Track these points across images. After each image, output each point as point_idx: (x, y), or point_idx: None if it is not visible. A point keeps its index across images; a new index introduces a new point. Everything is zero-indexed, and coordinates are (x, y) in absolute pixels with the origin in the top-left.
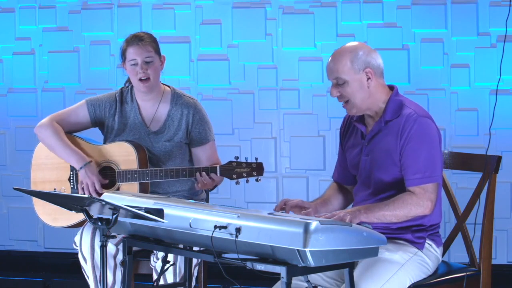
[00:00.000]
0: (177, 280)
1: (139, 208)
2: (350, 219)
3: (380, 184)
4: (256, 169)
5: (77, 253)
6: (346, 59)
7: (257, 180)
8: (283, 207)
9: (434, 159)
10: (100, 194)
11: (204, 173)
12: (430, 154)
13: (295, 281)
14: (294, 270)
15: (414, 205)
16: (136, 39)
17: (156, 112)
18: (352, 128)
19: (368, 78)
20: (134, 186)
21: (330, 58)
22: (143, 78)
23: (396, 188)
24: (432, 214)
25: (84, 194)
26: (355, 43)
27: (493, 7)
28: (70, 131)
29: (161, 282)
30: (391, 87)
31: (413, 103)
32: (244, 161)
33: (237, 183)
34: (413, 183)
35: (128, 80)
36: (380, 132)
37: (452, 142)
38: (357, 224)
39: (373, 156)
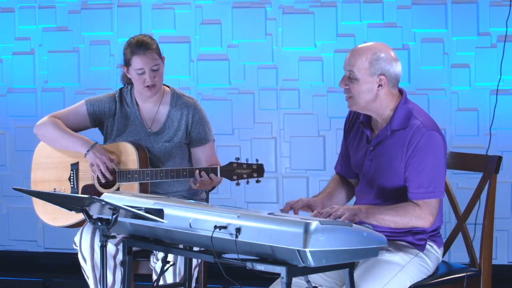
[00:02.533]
0: (177, 280)
1: (139, 208)
2: (348, 216)
3: (383, 191)
4: (256, 170)
5: (77, 253)
6: (366, 59)
7: (257, 181)
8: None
9: (438, 175)
10: (113, 172)
11: (203, 173)
12: (435, 169)
13: (296, 280)
14: (294, 270)
15: (416, 216)
16: (142, 48)
17: (156, 113)
18: (357, 127)
19: (380, 85)
20: (134, 186)
21: (351, 51)
22: (150, 85)
23: (398, 197)
24: None
25: (95, 177)
26: (381, 45)
27: (494, 7)
28: None
29: (161, 282)
30: (400, 91)
31: (422, 112)
32: (245, 162)
33: (237, 184)
34: (416, 197)
35: (123, 79)
36: (385, 140)
37: (452, 142)
38: (357, 224)
39: (377, 162)
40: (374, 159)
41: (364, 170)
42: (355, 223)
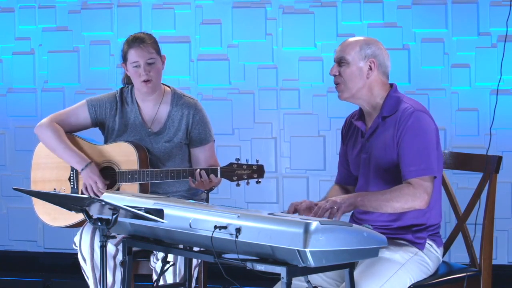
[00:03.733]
0: (177, 280)
1: (139, 208)
2: (345, 209)
3: (380, 174)
4: (257, 171)
5: (76, 253)
6: (356, 44)
7: (257, 182)
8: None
9: (429, 152)
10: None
11: (203, 172)
12: (425, 147)
13: (295, 281)
14: (294, 271)
15: (411, 196)
16: (137, 41)
17: (156, 113)
18: (353, 130)
19: (370, 69)
20: (134, 186)
21: (342, 42)
22: (146, 79)
23: (393, 182)
24: (432, 214)
25: (88, 195)
26: (372, 38)
27: (494, 7)
28: (70, 131)
29: (161, 282)
30: (390, 85)
31: (411, 99)
32: (245, 163)
33: (237, 185)
34: (409, 175)
35: (124, 79)
36: (378, 128)
37: (452, 142)
38: (357, 222)
39: (372, 151)
40: (369, 150)
41: (360, 166)
42: (356, 221)
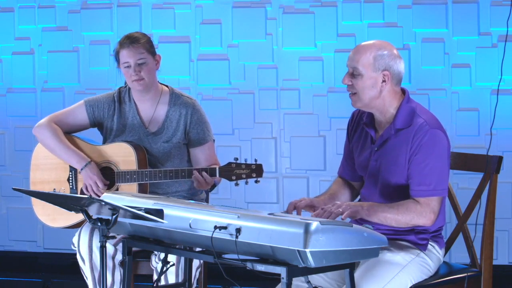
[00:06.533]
0: (179, 280)
1: (138, 209)
2: (350, 213)
3: (388, 190)
4: (255, 170)
5: (76, 254)
6: (370, 54)
7: (256, 181)
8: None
9: (441, 173)
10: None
11: (203, 172)
12: (437, 167)
13: (296, 281)
14: (295, 271)
15: (417, 214)
16: (128, 41)
17: (154, 112)
18: (361, 128)
19: (384, 81)
20: (133, 186)
21: (355, 48)
22: (136, 79)
23: (402, 197)
24: (437, 219)
25: (87, 195)
26: (384, 42)
27: (494, 7)
28: (68, 132)
29: (163, 282)
30: (402, 91)
31: (425, 110)
32: (244, 162)
33: (236, 184)
34: (417, 194)
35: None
36: (390, 139)
37: (453, 142)
38: (358, 224)
39: (382, 162)
40: (379, 159)
41: (369, 171)
42: (357, 221)
